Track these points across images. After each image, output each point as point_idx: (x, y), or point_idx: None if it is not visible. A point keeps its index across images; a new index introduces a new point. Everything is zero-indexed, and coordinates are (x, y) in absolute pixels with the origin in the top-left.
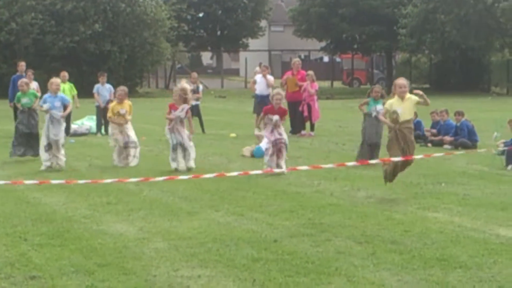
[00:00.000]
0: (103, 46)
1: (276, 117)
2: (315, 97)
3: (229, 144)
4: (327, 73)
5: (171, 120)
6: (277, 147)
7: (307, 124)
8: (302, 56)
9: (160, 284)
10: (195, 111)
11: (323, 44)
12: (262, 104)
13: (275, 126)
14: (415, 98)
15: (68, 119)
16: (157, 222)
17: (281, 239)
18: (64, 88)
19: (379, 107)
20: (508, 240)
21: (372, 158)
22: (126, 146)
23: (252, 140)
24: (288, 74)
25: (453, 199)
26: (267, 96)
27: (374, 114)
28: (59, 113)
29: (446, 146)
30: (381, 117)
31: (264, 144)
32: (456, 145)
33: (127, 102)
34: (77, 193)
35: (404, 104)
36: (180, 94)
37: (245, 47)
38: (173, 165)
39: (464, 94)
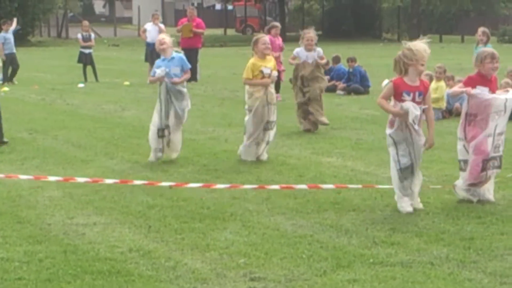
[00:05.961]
0: None
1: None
2: None
3: (123, 92)
4: (220, 20)
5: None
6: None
7: None
8: (195, 4)
9: (56, 232)
10: (88, 59)
11: None
12: (154, 52)
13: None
14: None
15: None
16: (51, 170)
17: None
18: None
19: None
20: None
21: None
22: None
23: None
24: (184, 21)
25: (346, 143)
26: None
27: None
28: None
29: (339, 92)
30: None
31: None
32: (348, 91)
33: (271, 57)
34: None
35: None
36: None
37: None
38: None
39: (356, 40)
